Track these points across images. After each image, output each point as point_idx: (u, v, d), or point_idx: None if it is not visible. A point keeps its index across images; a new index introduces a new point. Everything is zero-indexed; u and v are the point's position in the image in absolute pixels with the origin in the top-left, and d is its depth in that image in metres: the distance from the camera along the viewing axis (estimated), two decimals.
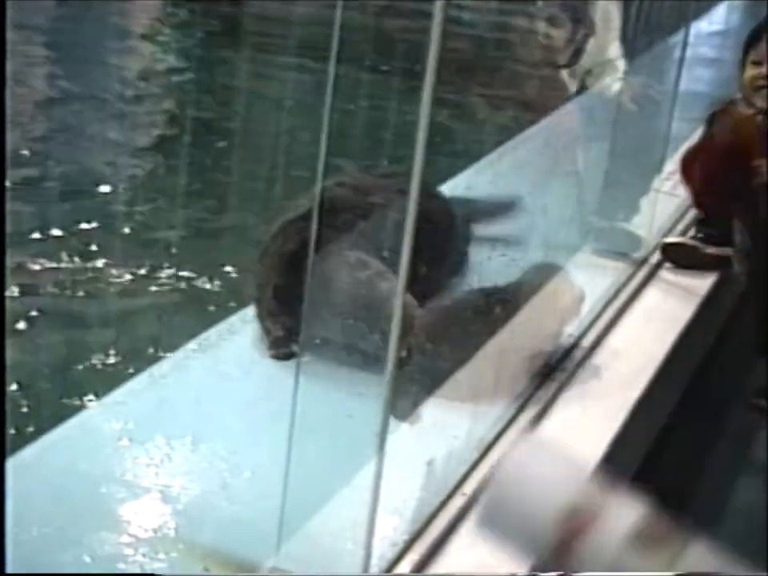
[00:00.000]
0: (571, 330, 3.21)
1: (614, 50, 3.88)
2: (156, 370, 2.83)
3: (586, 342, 3.25)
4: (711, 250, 3.90)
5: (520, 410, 2.83)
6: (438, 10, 1.85)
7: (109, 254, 5.02)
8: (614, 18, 3.91)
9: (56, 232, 5.20)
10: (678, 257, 3.92)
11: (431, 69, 1.87)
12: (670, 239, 4.02)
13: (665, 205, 4.18)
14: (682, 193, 4.19)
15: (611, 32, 3.89)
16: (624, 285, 3.67)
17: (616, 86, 3.81)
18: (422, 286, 2.83)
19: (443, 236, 3.32)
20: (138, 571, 2.19)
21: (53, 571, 2.15)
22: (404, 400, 2.61)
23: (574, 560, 0.97)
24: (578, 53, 3.83)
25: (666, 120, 4.10)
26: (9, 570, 1.60)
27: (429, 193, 3.22)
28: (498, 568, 1.40)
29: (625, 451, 2.91)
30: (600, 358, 3.23)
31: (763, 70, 3.64)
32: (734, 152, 3.59)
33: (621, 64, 3.87)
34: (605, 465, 2.60)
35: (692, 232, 4.08)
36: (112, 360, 4.19)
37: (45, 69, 7.75)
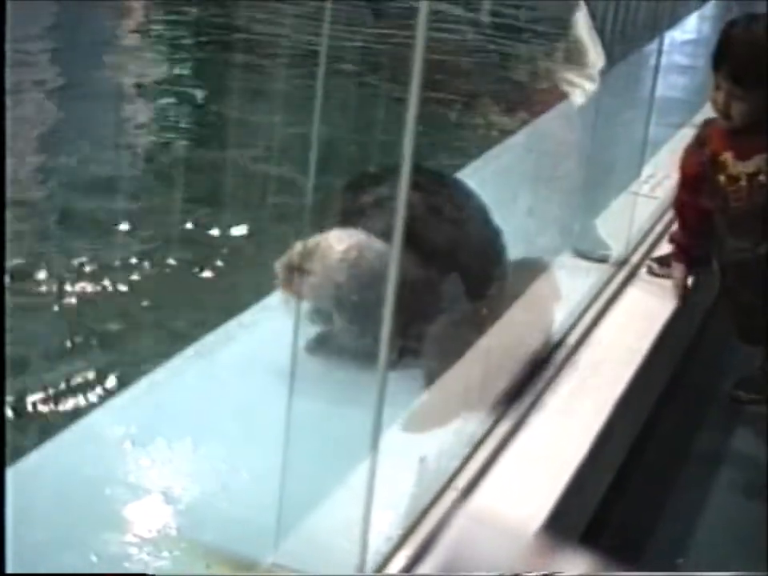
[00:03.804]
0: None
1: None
2: (155, 376, 2.92)
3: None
4: None
5: None
6: (422, 9, 1.91)
7: None
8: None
9: None
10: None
11: (417, 74, 1.90)
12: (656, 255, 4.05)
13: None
14: (660, 195, 4.28)
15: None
16: (606, 283, 3.76)
17: None
18: None
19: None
20: (143, 569, 2.27)
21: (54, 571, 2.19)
22: None
23: None
24: None
25: (643, 125, 4.16)
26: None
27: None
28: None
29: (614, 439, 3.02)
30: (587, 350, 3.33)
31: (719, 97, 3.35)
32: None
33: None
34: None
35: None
36: None
37: None
